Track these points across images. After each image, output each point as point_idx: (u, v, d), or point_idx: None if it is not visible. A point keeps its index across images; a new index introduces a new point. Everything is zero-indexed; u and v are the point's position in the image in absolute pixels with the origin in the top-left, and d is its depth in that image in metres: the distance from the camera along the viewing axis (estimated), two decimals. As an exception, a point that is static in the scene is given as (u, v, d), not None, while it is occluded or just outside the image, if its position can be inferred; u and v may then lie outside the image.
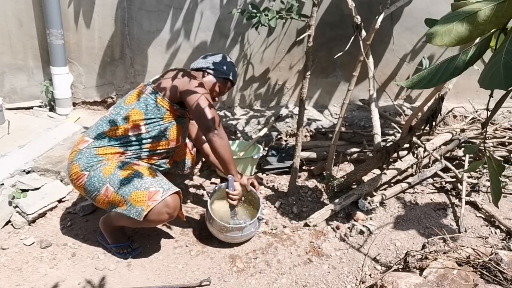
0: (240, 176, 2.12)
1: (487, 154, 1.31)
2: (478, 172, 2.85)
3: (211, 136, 1.93)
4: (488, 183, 2.71)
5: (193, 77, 1.99)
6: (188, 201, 2.58)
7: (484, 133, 1.49)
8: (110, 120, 1.97)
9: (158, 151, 2.05)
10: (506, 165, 2.92)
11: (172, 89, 1.95)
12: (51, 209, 2.36)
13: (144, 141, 1.97)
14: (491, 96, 1.23)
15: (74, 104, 3.55)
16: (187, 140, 2.39)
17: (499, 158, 2.83)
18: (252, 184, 2.19)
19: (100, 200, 1.89)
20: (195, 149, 2.45)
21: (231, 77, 2.15)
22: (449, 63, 1.05)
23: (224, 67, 2.12)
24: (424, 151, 2.67)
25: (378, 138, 2.54)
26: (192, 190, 2.72)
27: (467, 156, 2.73)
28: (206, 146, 2.39)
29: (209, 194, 2.26)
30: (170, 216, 1.84)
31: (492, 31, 0.94)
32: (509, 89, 0.98)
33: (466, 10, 0.91)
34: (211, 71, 2.12)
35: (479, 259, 1.77)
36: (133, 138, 1.96)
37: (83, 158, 1.91)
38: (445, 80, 1.06)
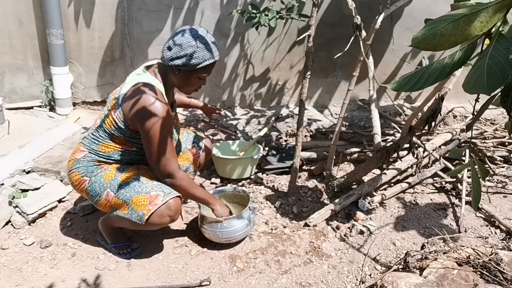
0: (217, 203, 2.07)
1: (471, 158, 1.33)
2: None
3: (170, 183, 1.86)
4: (488, 183, 2.71)
5: (151, 105, 1.72)
6: (188, 201, 2.58)
7: (471, 136, 1.51)
8: (99, 137, 1.91)
9: None
10: (506, 165, 2.92)
11: (134, 121, 1.78)
12: (51, 209, 2.37)
13: (137, 156, 1.98)
14: (477, 100, 1.24)
15: (74, 104, 3.55)
16: (190, 146, 2.34)
17: (488, 161, 2.85)
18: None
19: (102, 205, 1.90)
20: (199, 154, 2.36)
21: (204, 63, 1.77)
22: (434, 67, 1.06)
23: (193, 57, 1.75)
24: (424, 151, 2.67)
25: (378, 138, 2.54)
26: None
27: (467, 156, 2.73)
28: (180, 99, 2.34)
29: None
30: (172, 219, 1.85)
31: (477, 36, 0.94)
32: (493, 93, 0.98)
33: (452, 15, 0.92)
34: (180, 68, 1.78)
35: (479, 259, 1.77)
36: (126, 154, 1.95)
37: (82, 167, 1.92)
38: (431, 84, 1.07)
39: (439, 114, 2.25)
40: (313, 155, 2.99)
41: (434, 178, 2.79)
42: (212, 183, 2.82)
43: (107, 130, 1.88)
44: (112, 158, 1.93)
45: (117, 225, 1.99)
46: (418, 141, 2.60)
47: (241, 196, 2.29)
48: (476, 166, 1.34)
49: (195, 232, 2.24)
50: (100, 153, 1.92)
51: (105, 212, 1.99)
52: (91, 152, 1.93)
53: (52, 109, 3.47)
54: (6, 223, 2.22)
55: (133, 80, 1.85)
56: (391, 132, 3.28)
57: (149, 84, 1.81)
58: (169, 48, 1.78)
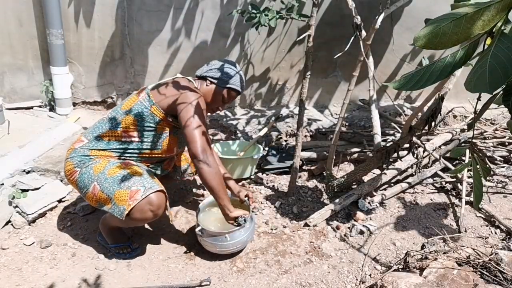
0: (230, 209, 1.96)
1: (473, 157, 1.33)
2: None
3: (197, 163, 1.84)
4: (488, 183, 2.71)
5: (191, 90, 1.91)
6: (188, 201, 2.58)
7: (472, 135, 1.51)
8: (106, 123, 1.98)
9: (152, 158, 2.06)
10: (506, 165, 2.92)
11: (167, 100, 1.91)
12: (51, 209, 2.36)
13: (136, 149, 1.98)
14: (478, 99, 1.24)
15: (74, 104, 3.55)
16: None
17: (488, 161, 2.86)
18: (247, 196, 2.16)
19: (89, 198, 1.91)
20: None
21: (234, 86, 2.06)
22: (436, 66, 1.06)
23: (228, 76, 2.04)
24: (424, 151, 2.67)
25: (378, 138, 2.54)
26: (192, 190, 2.72)
27: (467, 156, 2.73)
28: None
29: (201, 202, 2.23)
30: (155, 214, 1.82)
31: (479, 34, 0.94)
32: (495, 92, 0.98)
33: (454, 14, 0.92)
34: (214, 80, 2.03)
35: (479, 259, 1.77)
36: (126, 145, 1.97)
37: (77, 157, 1.95)
38: (432, 83, 1.07)
39: (439, 114, 2.24)
40: (313, 155, 2.99)
41: (434, 178, 2.79)
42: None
43: (121, 112, 1.95)
44: (110, 148, 1.96)
45: (113, 223, 2.00)
46: (418, 141, 2.60)
47: (237, 202, 2.21)
48: (477, 165, 1.34)
49: (195, 232, 2.24)
50: (102, 141, 1.96)
51: (104, 211, 1.99)
52: (90, 142, 1.97)
53: (52, 109, 3.46)
54: (6, 223, 2.21)
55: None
56: (391, 132, 3.28)
57: (187, 78, 2.05)
58: (210, 64, 2.08)
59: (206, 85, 2.04)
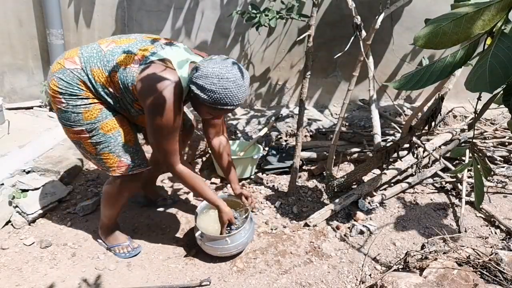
0: (220, 205, 1.95)
1: (473, 157, 1.33)
2: (478, 172, 2.84)
3: (171, 173, 1.82)
4: (488, 183, 2.71)
5: (166, 87, 1.61)
6: (188, 201, 2.58)
7: (472, 135, 1.51)
8: (101, 60, 1.70)
9: (135, 124, 1.95)
10: (506, 165, 2.92)
11: (141, 92, 1.64)
12: (51, 209, 2.36)
13: (117, 104, 1.78)
14: (479, 99, 1.24)
15: (74, 104, 3.54)
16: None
17: (488, 161, 2.85)
18: (245, 196, 2.14)
19: (70, 133, 1.80)
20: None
21: (220, 106, 1.62)
22: (436, 65, 1.06)
23: (216, 92, 1.58)
24: (424, 151, 2.67)
25: (378, 138, 2.54)
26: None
27: (467, 156, 2.73)
28: (215, 145, 2.13)
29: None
30: (137, 188, 1.99)
31: (479, 34, 0.94)
32: (495, 92, 0.98)
33: (454, 14, 0.92)
34: (198, 92, 1.61)
35: (479, 259, 1.77)
36: (110, 95, 1.74)
37: (64, 81, 1.69)
38: (433, 83, 1.07)
39: (439, 114, 2.25)
40: (313, 155, 2.99)
41: (434, 178, 2.79)
42: (212, 183, 2.82)
43: (114, 65, 1.68)
44: (97, 90, 1.71)
45: (108, 217, 2.02)
46: (418, 141, 2.60)
47: (236, 202, 2.19)
48: (478, 165, 1.34)
49: (195, 232, 2.24)
50: (90, 76, 1.69)
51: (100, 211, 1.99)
52: (82, 72, 1.70)
53: (52, 109, 3.46)
54: (6, 223, 2.21)
55: (182, 56, 1.72)
56: (391, 132, 3.28)
57: (179, 80, 1.65)
58: (197, 69, 1.61)
59: (193, 91, 1.62)
